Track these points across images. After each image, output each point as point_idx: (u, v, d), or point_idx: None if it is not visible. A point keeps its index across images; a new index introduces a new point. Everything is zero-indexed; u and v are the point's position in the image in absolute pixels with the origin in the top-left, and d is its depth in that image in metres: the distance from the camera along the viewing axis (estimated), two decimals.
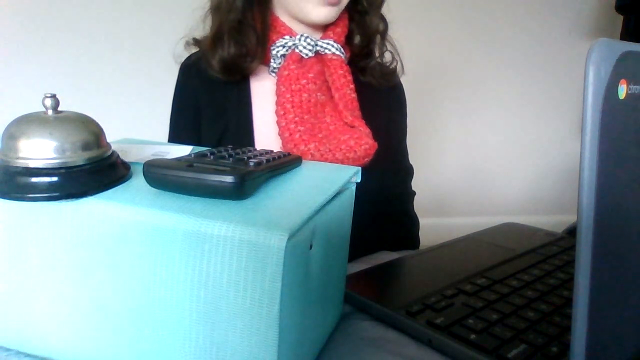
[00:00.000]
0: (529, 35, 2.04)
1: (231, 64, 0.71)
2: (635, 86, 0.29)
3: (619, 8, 1.82)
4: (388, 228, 0.78)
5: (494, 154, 2.14)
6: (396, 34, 0.81)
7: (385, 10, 0.79)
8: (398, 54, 0.81)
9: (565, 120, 2.13)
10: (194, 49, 0.79)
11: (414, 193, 0.85)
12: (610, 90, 0.27)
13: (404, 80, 0.85)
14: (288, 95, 0.70)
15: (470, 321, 0.44)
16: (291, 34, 0.72)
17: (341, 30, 0.74)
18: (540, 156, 2.18)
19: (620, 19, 1.88)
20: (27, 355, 0.38)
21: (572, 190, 2.03)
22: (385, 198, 0.77)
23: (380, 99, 0.79)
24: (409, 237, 0.83)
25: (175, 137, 0.80)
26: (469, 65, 2.02)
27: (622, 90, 0.28)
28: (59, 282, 0.35)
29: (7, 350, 0.39)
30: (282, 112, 0.70)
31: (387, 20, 0.79)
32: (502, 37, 2.02)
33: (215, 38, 0.72)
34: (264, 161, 0.38)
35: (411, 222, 0.84)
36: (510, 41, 2.03)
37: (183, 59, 0.80)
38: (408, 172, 0.85)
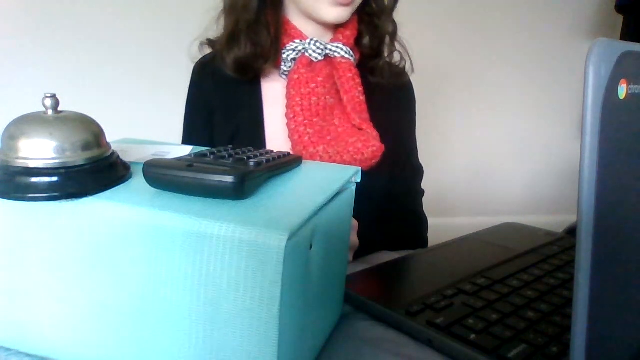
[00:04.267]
0: (529, 35, 2.04)
1: (245, 64, 0.72)
2: (635, 86, 0.29)
3: (619, 8, 1.81)
4: (396, 227, 0.78)
5: (494, 153, 2.14)
6: (400, 35, 0.81)
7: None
8: (407, 53, 0.81)
9: (565, 120, 2.13)
10: (208, 50, 0.80)
11: (422, 192, 0.86)
12: (610, 90, 0.27)
13: None
14: (298, 99, 0.71)
15: (470, 321, 0.44)
16: (301, 37, 0.73)
17: (350, 33, 0.75)
18: (540, 156, 2.18)
19: (620, 19, 1.88)
20: (27, 355, 0.38)
21: (572, 190, 2.03)
22: (394, 196, 0.78)
23: (390, 98, 0.80)
24: (417, 237, 0.83)
25: (190, 136, 0.81)
26: (469, 65, 2.02)
27: (622, 90, 0.28)
28: (59, 282, 0.35)
29: (7, 350, 0.39)
30: (291, 115, 0.71)
31: (395, 20, 0.79)
32: (502, 37, 2.02)
33: (231, 37, 0.72)
34: (264, 161, 0.38)
35: (419, 222, 0.84)
36: (510, 41, 2.03)
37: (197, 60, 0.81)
38: (417, 171, 0.85)
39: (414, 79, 0.86)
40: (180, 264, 0.31)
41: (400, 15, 0.81)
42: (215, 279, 0.31)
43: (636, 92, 0.29)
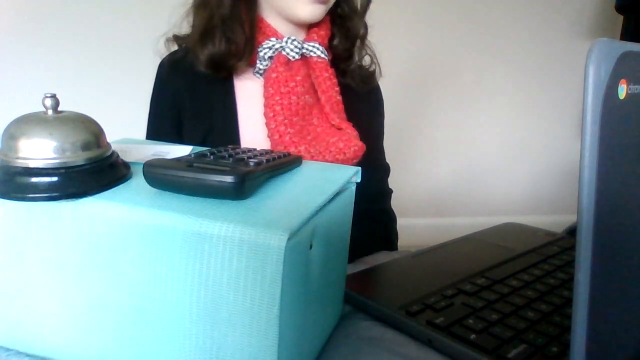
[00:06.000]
0: (528, 35, 2.04)
1: (219, 61, 0.71)
2: (635, 86, 0.29)
3: (619, 8, 1.81)
4: (368, 226, 0.78)
5: (495, 154, 2.14)
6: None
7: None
8: (376, 58, 0.82)
9: (565, 120, 2.13)
10: (175, 47, 0.79)
11: (391, 191, 0.87)
12: (610, 90, 0.27)
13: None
14: (277, 98, 0.70)
15: (470, 321, 0.44)
16: (276, 35, 0.72)
17: (325, 33, 0.75)
18: (540, 156, 2.18)
19: (620, 19, 1.88)
20: (27, 355, 0.38)
21: (572, 190, 2.03)
22: (364, 196, 0.78)
23: (360, 100, 0.80)
24: (388, 234, 0.83)
25: (154, 134, 0.79)
26: (471, 65, 2.02)
27: (622, 90, 0.28)
28: (59, 282, 0.35)
29: (7, 350, 0.39)
30: (271, 115, 0.70)
31: (371, 23, 0.80)
32: (503, 37, 2.02)
33: (205, 33, 0.71)
34: (264, 161, 0.38)
35: (389, 219, 0.85)
36: (510, 41, 2.03)
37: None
38: (385, 170, 0.86)
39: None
40: (180, 264, 0.31)
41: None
42: (215, 279, 0.31)
43: (636, 92, 0.29)
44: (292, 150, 0.68)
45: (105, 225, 0.33)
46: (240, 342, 0.31)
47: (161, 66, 0.79)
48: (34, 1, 1.57)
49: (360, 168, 0.45)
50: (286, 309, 0.31)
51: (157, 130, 0.79)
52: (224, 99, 0.75)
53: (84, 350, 0.36)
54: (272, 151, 0.44)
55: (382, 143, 0.87)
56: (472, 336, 0.41)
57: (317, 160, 0.68)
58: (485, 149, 2.13)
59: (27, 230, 0.35)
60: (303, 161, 0.46)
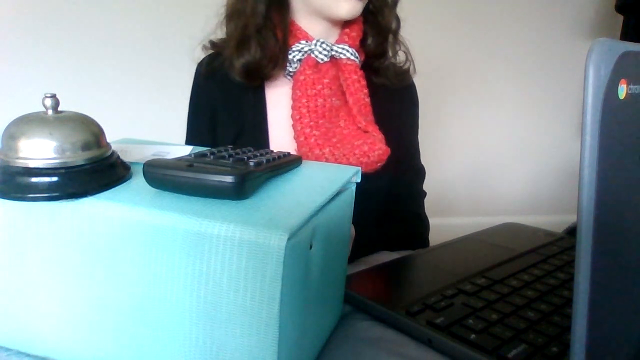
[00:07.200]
0: (529, 35, 2.04)
1: (255, 69, 0.72)
2: (635, 86, 0.29)
3: (619, 8, 1.81)
4: (398, 228, 0.78)
5: (494, 154, 2.14)
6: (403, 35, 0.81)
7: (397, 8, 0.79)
8: (410, 54, 0.81)
9: (565, 120, 2.13)
10: (210, 51, 0.80)
11: (424, 193, 0.85)
12: (610, 90, 0.27)
13: None
14: (304, 100, 0.71)
15: (470, 321, 0.44)
16: (307, 38, 0.73)
17: (356, 34, 0.75)
18: (540, 156, 2.18)
19: (620, 19, 1.88)
20: (27, 355, 0.38)
21: (572, 190, 2.03)
22: (396, 198, 0.78)
23: (394, 99, 0.80)
24: (418, 238, 0.82)
25: (193, 138, 0.81)
26: (469, 65, 2.02)
27: (622, 90, 0.28)
28: (59, 282, 0.35)
29: (7, 350, 0.39)
30: (297, 117, 0.71)
31: (399, 17, 0.79)
32: (502, 37, 2.02)
33: (241, 42, 0.72)
34: (264, 161, 0.38)
35: (420, 223, 0.84)
36: (510, 41, 2.03)
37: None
38: (419, 172, 0.85)
39: (416, 79, 0.85)
40: (180, 264, 0.31)
41: (401, 14, 0.81)
42: (215, 278, 0.31)
43: (636, 92, 0.29)
44: (316, 152, 0.69)
45: (105, 225, 0.33)
46: (240, 342, 0.31)
47: (198, 71, 0.81)
48: (34, 1, 1.57)
49: (359, 168, 0.45)
50: (286, 309, 0.31)
51: (195, 130, 0.81)
52: (255, 102, 0.76)
53: (84, 350, 0.36)
54: (272, 151, 0.44)
55: (417, 144, 0.86)
56: (472, 336, 0.41)
57: (341, 162, 0.68)
58: (485, 149, 2.13)
59: (27, 230, 0.35)
60: (303, 161, 0.46)
